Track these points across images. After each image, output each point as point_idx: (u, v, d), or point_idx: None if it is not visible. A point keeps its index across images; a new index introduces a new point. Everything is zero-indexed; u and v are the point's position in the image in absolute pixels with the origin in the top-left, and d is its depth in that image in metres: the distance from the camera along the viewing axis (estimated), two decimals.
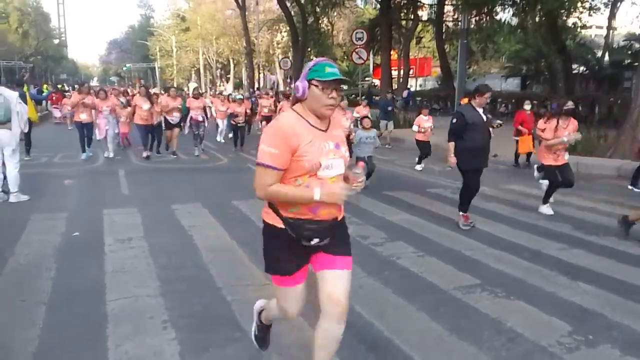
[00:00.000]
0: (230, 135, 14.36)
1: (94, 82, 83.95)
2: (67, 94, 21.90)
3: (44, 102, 23.83)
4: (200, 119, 12.01)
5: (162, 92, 20.18)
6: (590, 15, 21.10)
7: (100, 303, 3.68)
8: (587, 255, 4.97)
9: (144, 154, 11.11)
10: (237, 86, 47.14)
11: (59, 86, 24.84)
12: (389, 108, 15.27)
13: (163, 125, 11.85)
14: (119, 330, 3.26)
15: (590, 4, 20.74)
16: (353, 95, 24.08)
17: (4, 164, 6.77)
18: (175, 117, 11.52)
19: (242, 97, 14.14)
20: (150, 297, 3.78)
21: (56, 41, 77.47)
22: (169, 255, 4.75)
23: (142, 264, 4.51)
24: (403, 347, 3.12)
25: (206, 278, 4.21)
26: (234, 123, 12.84)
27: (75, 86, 29.68)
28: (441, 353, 3.09)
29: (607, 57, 26.55)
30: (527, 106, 10.88)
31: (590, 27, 26.30)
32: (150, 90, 13.22)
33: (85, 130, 10.75)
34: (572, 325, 3.43)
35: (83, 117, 10.62)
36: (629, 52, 24.69)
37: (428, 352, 3.08)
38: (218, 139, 15.15)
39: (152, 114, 11.19)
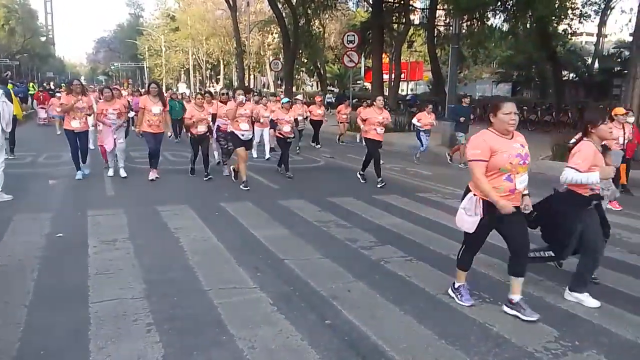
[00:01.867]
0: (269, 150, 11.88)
1: (82, 81, 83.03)
2: (57, 94, 19.30)
3: (29, 101, 23.51)
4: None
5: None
6: (580, 22, 21.32)
7: (84, 305, 3.61)
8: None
9: (151, 175, 8.57)
10: (228, 87, 46.99)
11: (45, 85, 24.33)
12: (461, 119, 11.48)
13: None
14: (101, 333, 3.20)
15: (581, 11, 20.97)
16: (356, 100, 24.07)
17: None
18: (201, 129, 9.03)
19: (289, 100, 10.78)
20: (134, 300, 3.72)
21: (43, 39, 76.64)
22: (155, 258, 4.69)
23: (126, 265, 4.45)
24: (391, 351, 3.10)
25: (192, 280, 4.16)
26: (280, 136, 9.63)
27: (63, 85, 28.97)
28: (429, 358, 3.07)
29: (596, 64, 26.86)
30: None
31: (581, 34, 26.54)
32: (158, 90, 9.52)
33: (79, 141, 8.36)
34: (558, 330, 3.43)
35: (75, 124, 8.22)
36: (619, 59, 25.00)
37: (416, 357, 3.06)
38: (255, 154, 11.58)
39: (164, 120, 8.65)
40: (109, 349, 3.02)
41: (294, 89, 30.10)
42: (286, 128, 9.50)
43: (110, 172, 8.82)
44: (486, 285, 4.25)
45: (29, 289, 3.88)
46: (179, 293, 3.88)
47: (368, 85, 33.76)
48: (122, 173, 8.75)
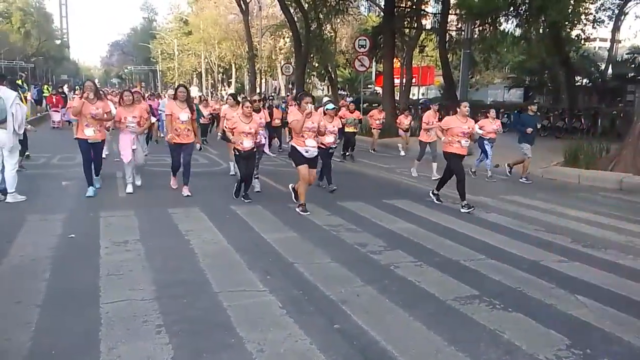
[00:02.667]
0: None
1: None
2: (74, 96, 18.69)
3: (43, 104, 23.75)
4: (263, 140, 8.05)
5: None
6: (594, 27, 21.15)
7: (95, 306, 3.64)
8: (587, 268, 4.93)
9: (185, 191, 7.58)
10: (239, 91, 47.27)
11: (59, 88, 24.53)
12: (528, 130, 10.17)
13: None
14: (112, 334, 3.23)
15: (594, 16, 20.81)
16: (366, 104, 24.05)
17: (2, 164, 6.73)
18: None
19: (335, 106, 9.26)
20: (144, 301, 3.74)
21: (58, 42, 77.82)
22: (165, 259, 4.72)
23: (137, 267, 4.48)
24: (400, 357, 3.08)
25: (202, 283, 4.18)
26: (321, 146, 7.79)
27: (77, 87, 29.12)
28: None
29: (610, 70, 26.59)
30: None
31: (594, 39, 26.32)
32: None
33: (93, 153, 7.33)
34: (570, 338, 3.39)
35: (89, 133, 7.13)
36: (632, 65, 24.71)
37: None
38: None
39: (193, 129, 7.71)
40: (119, 349, 3.04)
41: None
42: (329, 139, 8.12)
43: (129, 188, 7.67)
44: (497, 291, 4.22)
45: (40, 289, 3.92)
46: (189, 295, 3.90)
47: (379, 89, 33.71)
48: (137, 181, 8.10)
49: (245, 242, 5.38)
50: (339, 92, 37.45)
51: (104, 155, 8.04)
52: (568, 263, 5.06)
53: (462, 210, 7.21)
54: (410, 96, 30.29)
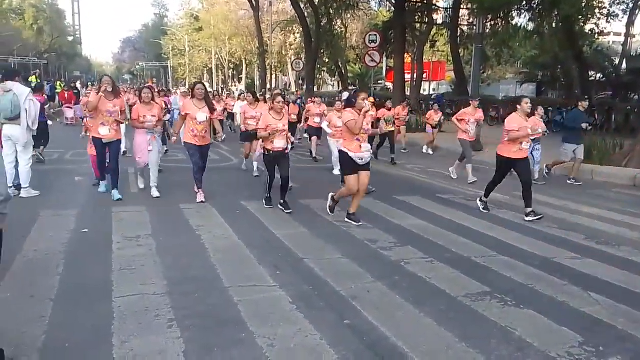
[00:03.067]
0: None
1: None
2: (88, 92, 17.62)
3: (56, 100, 23.94)
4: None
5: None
6: (608, 21, 20.90)
7: (107, 300, 3.68)
8: (599, 265, 4.88)
9: (199, 196, 6.95)
10: (249, 87, 47.35)
11: (72, 84, 24.74)
12: (583, 125, 9.41)
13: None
14: (124, 327, 3.26)
15: (608, 10, 20.54)
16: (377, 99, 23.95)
17: (16, 159, 6.82)
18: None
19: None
20: (156, 296, 3.78)
21: (70, 38, 78.48)
22: (177, 255, 4.75)
23: (149, 262, 4.52)
24: (410, 353, 3.08)
25: (213, 278, 4.20)
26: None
27: (90, 84, 29.26)
28: None
29: (624, 65, 26.23)
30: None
31: (608, 34, 26.01)
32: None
33: (109, 151, 6.98)
34: (583, 336, 3.36)
35: (104, 131, 6.78)
36: None
37: (435, 359, 3.04)
38: (337, 172, 8.62)
39: (210, 129, 7.21)
40: (132, 343, 3.07)
41: (315, 88, 30.13)
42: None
43: (141, 184, 7.64)
44: (508, 288, 4.19)
45: (54, 284, 3.97)
46: (200, 290, 3.92)
47: (389, 84, 33.60)
48: (155, 193, 7.15)
49: (256, 237, 5.40)
50: (349, 87, 37.38)
51: (140, 166, 7.32)
52: (581, 260, 5.01)
53: (527, 218, 6.46)
54: (421, 91, 30.15)
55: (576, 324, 3.54)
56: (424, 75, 31.75)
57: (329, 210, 6.44)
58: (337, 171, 8.66)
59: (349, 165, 5.91)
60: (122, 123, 7.30)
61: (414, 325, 3.48)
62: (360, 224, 5.99)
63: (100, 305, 3.60)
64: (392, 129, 11.69)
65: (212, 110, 6.95)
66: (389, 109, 11.83)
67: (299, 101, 15.83)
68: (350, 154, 5.82)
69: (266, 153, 6.61)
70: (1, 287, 3.83)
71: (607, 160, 10.80)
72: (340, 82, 38.33)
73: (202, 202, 6.82)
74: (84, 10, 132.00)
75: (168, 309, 3.55)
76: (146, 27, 79.48)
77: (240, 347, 3.09)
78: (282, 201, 6.61)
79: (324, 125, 9.78)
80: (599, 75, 25.98)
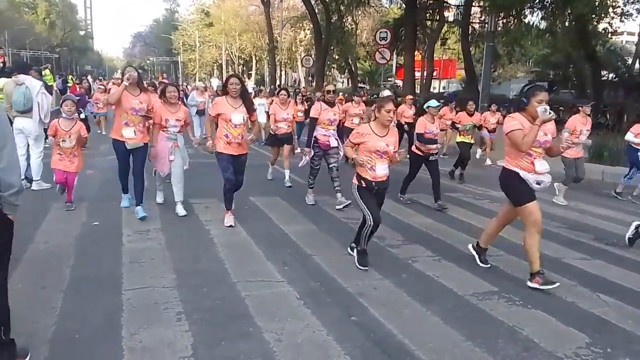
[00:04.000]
0: None
1: (118, 75, 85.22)
2: (100, 86, 16.87)
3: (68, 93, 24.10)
4: (335, 142, 6.72)
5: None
6: (621, 21, 20.62)
7: (117, 292, 3.72)
8: (609, 266, 4.85)
9: (227, 219, 5.67)
10: (259, 83, 47.38)
11: (83, 78, 24.93)
12: None
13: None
14: (133, 320, 3.30)
15: (622, 9, 20.28)
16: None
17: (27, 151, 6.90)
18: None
19: (439, 104, 7.50)
20: (165, 289, 3.81)
21: (82, 33, 79.05)
22: (185, 249, 4.79)
23: (158, 256, 4.56)
24: (416, 350, 3.09)
25: (221, 272, 4.23)
26: (419, 154, 7.08)
27: (101, 78, 29.33)
28: (455, 359, 3.04)
29: (637, 65, 25.97)
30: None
31: (622, 33, 25.70)
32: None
33: (133, 161, 5.81)
34: (590, 337, 3.35)
35: (129, 134, 5.64)
36: None
37: (441, 357, 3.04)
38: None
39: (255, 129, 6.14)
40: (141, 335, 3.11)
41: (325, 84, 30.11)
42: (432, 144, 6.98)
43: (159, 198, 6.46)
44: (516, 287, 4.18)
45: (65, 275, 4.02)
46: (209, 284, 3.95)
47: (399, 82, 33.49)
48: (180, 211, 5.95)
49: (264, 233, 5.42)
50: (359, 85, 37.31)
51: (162, 175, 6.25)
52: (590, 261, 4.99)
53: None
54: (431, 89, 30.02)
55: (584, 324, 3.53)
56: (434, 73, 31.59)
57: (478, 261, 4.71)
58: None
59: (524, 191, 4.19)
60: (148, 123, 6.01)
61: (420, 323, 3.49)
62: (556, 285, 4.12)
63: (110, 297, 3.64)
64: (471, 140, 9.31)
65: (250, 110, 5.60)
66: (471, 114, 9.22)
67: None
68: (526, 176, 4.16)
69: (364, 185, 4.41)
70: (13, 278, 3.87)
71: (618, 161, 10.70)
72: (350, 79, 38.27)
73: (230, 226, 5.53)
74: (96, 4, 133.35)
75: (177, 302, 3.58)
76: (157, 22, 79.82)
77: (248, 341, 3.11)
78: (362, 249, 4.61)
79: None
80: (611, 75, 25.74)
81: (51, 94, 7.87)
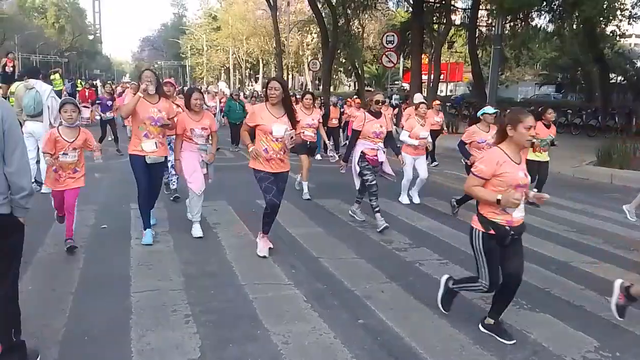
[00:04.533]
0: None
1: (126, 79, 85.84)
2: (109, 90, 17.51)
3: (77, 98, 24.19)
4: (383, 157, 6.03)
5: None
6: (629, 23, 20.46)
7: (125, 294, 3.75)
8: (618, 270, 4.81)
9: (262, 246, 4.84)
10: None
11: (92, 81, 25.00)
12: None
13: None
14: (142, 322, 3.32)
15: (630, 12, 20.14)
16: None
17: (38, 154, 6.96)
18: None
19: (496, 110, 6.65)
20: (173, 291, 3.84)
21: (91, 37, 79.77)
22: (193, 251, 4.81)
23: (166, 258, 4.59)
24: (424, 353, 3.09)
25: (229, 275, 4.25)
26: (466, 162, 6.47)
27: (109, 82, 29.46)
28: None
29: None
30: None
31: (630, 36, 25.58)
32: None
33: (151, 176, 5.01)
34: (599, 340, 3.34)
35: (149, 147, 4.88)
36: None
37: None
38: (404, 199, 7.45)
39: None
40: (149, 337, 3.13)
41: (331, 89, 30.19)
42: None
43: (197, 231, 5.32)
44: (524, 291, 4.16)
45: (74, 278, 4.06)
46: (216, 286, 3.97)
47: (406, 85, 33.48)
48: (197, 231, 5.29)
49: (271, 236, 5.43)
50: (365, 88, 37.32)
51: (197, 194, 5.28)
52: (598, 264, 4.96)
53: None
54: (438, 93, 29.97)
55: (592, 328, 3.52)
56: (441, 77, 31.56)
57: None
58: (405, 199, 7.41)
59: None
60: (169, 134, 5.36)
61: (428, 326, 3.49)
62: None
63: (118, 299, 3.67)
64: (546, 158, 7.49)
65: (294, 121, 4.67)
66: (549, 125, 7.47)
67: (339, 103, 13.95)
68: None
69: (493, 233, 3.28)
70: (23, 281, 3.91)
71: (627, 164, 10.63)
72: (356, 83, 38.29)
73: (264, 257, 4.71)
74: (105, 9, 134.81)
75: (185, 305, 3.60)
76: (165, 26, 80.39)
77: (255, 344, 3.12)
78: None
79: (403, 136, 7.33)
80: (619, 77, 25.58)
81: (60, 97, 7.93)
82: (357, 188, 6.19)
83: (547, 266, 4.82)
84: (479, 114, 6.49)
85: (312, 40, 44.34)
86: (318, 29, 29.51)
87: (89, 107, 18.92)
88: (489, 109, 6.47)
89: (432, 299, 3.91)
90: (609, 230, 6.33)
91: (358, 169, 5.88)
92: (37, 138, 6.86)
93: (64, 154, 4.58)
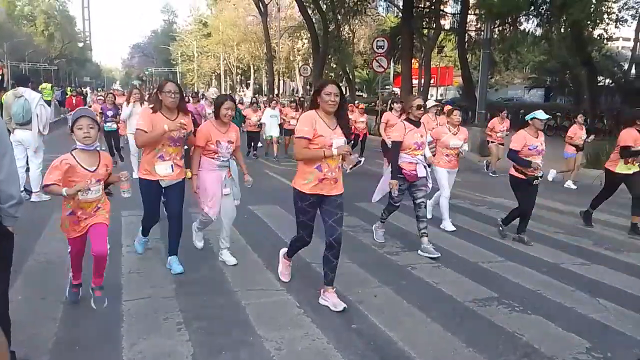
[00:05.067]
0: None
1: (117, 86, 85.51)
2: (98, 97, 15.08)
3: (62, 107, 23.73)
4: (423, 171, 5.35)
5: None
6: (617, 27, 20.77)
7: (117, 302, 3.72)
8: (608, 271, 4.86)
9: (283, 271, 4.39)
10: (257, 92, 47.55)
11: (81, 89, 24.78)
12: None
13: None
14: (133, 330, 3.30)
15: (617, 15, 20.43)
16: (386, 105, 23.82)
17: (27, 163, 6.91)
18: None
19: (549, 117, 6.47)
20: (165, 299, 3.81)
21: (81, 44, 79.31)
22: (185, 258, 4.77)
23: (158, 265, 4.56)
24: (417, 358, 3.09)
25: (221, 281, 4.24)
26: (522, 177, 5.61)
27: (99, 89, 29.11)
28: None
29: (633, 70, 26.09)
30: None
31: (617, 39, 25.89)
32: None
33: (168, 197, 4.55)
34: (590, 341, 3.36)
35: (164, 170, 4.28)
36: None
37: None
38: (448, 227, 6.31)
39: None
40: (141, 345, 3.11)
41: None
42: (539, 160, 5.59)
43: (199, 241, 5.11)
44: (516, 293, 4.19)
45: (64, 286, 4.00)
46: (208, 293, 3.95)
47: (397, 90, 33.63)
48: (229, 258, 4.70)
49: (264, 241, 5.43)
50: (357, 93, 37.47)
51: (212, 218, 4.67)
52: (589, 266, 5.00)
53: None
54: (429, 97, 30.13)
55: (584, 329, 3.54)
56: (432, 81, 31.74)
57: None
58: (450, 224, 6.28)
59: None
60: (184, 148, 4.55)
61: (420, 330, 3.49)
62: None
63: (110, 307, 3.63)
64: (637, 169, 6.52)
65: (349, 134, 4.03)
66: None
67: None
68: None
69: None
70: (13, 289, 3.86)
71: None
72: (347, 88, 38.44)
73: (343, 309, 3.75)
74: (94, 16, 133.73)
75: (176, 312, 3.58)
76: (155, 33, 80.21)
77: (248, 350, 3.11)
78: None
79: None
80: (607, 80, 25.87)
81: (50, 106, 7.92)
82: (375, 200, 5.56)
83: (538, 268, 4.85)
84: (527, 117, 5.82)
85: (302, 46, 44.44)
86: (309, 35, 29.61)
87: None
88: (541, 114, 5.69)
89: (425, 302, 3.92)
90: (598, 232, 6.38)
91: (388, 188, 5.19)
92: (26, 146, 6.82)
93: (86, 190, 3.32)
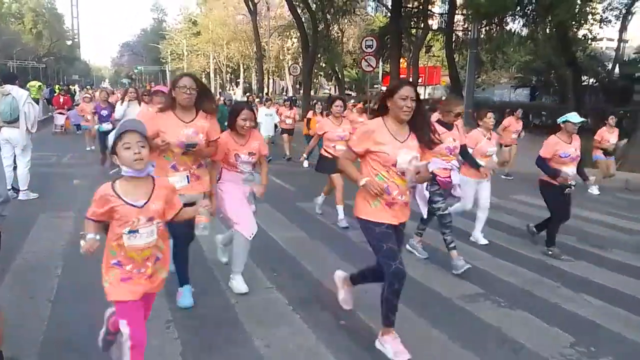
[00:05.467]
0: None
1: (106, 84, 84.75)
2: (85, 95, 15.13)
3: (49, 106, 23.30)
4: (457, 178, 4.91)
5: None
6: (601, 27, 21.05)
7: (105, 301, 3.69)
8: (593, 268, 4.95)
9: (343, 297, 3.78)
10: (247, 91, 47.45)
11: (71, 87, 24.37)
12: None
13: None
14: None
15: (601, 16, 20.70)
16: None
17: (14, 161, 6.85)
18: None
19: (583, 120, 5.41)
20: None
21: (69, 42, 78.51)
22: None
23: None
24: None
25: (210, 280, 4.24)
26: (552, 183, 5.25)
27: (88, 87, 28.61)
28: None
29: (617, 70, 26.47)
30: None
31: (601, 39, 26.19)
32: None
33: (183, 224, 3.22)
34: (574, 337, 3.42)
35: (180, 182, 3.46)
36: None
37: None
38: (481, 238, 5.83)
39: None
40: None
41: (311, 93, 30.30)
42: (571, 170, 5.22)
43: (224, 256, 4.68)
44: (502, 290, 4.25)
45: (53, 285, 4.00)
46: (198, 292, 3.94)
47: (385, 89, 33.76)
48: (241, 286, 4.00)
49: (253, 240, 5.40)
50: (346, 92, 37.54)
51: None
52: (575, 262, 5.08)
53: None
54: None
55: (568, 325, 3.60)
56: (420, 80, 31.89)
57: None
58: (483, 239, 5.74)
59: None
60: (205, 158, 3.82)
61: (409, 326, 3.52)
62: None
63: (98, 306, 3.61)
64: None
65: (429, 144, 3.14)
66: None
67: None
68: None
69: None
70: (1, 288, 3.86)
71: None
72: (337, 87, 38.50)
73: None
74: (83, 14, 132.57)
75: (166, 310, 3.58)
76: (145, 31, 79.58)
77: (237, 348, 3.13)
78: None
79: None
80: (592, 80, 26.20)
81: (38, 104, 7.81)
82: (424, 217, 4.77)
83: (525, 265, 4.93)
84: (559, 121, 5.28)
85: (292, 45, 44.43)
86: (298, 34, 29.59)
87: (64, 114, 17.39)
88: (574, 117, 5.17)
89: (412, 299, 3.95)
90: (583, 229, 6.48)
91: (427, 195, 4.13)
92: (14, 144, 6.76)
93: (131, 231, 2.47)
